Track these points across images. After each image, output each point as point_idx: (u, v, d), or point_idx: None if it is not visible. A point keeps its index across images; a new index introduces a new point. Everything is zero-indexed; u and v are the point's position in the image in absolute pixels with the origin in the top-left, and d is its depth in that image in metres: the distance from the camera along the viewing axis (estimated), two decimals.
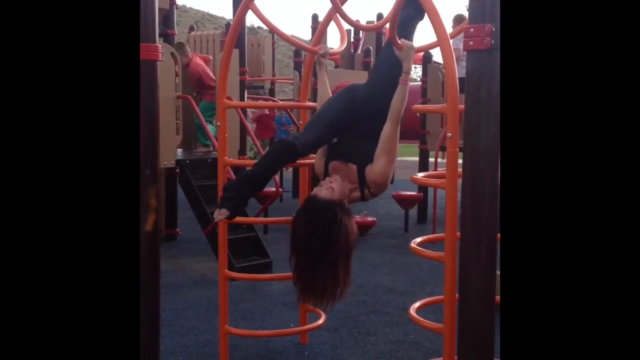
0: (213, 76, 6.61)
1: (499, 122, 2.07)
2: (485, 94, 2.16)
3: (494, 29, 2.10)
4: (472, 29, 2.15)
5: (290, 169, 9.44)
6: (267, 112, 8.89)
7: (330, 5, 3.30)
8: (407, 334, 3.96)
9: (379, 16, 9.19)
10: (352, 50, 10.90)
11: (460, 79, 2.40)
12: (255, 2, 3.14)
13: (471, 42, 2.15)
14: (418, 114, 7.32)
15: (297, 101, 5.84)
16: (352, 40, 11.03)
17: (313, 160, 3.53)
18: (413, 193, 7.46)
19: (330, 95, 3.11)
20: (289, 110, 8.28)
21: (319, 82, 3.22)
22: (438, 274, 4.94)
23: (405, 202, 7.31)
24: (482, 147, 2.18)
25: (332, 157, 2.82)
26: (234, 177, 5.13)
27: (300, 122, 4.10)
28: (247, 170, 2.87)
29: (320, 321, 3.64)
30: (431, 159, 7.86)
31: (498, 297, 2.07)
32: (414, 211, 7.75)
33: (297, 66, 9.19)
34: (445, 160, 2.74)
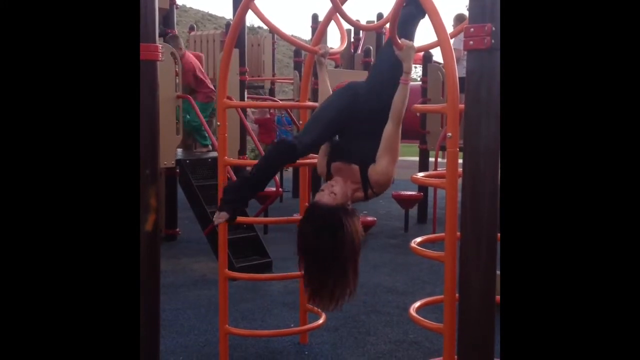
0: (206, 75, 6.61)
1: (499, 122, 2.07)
2: (485, 94, 2.16)
3: (494, 28, 2.10)
4: (472, 29, 2.15)
5: (290, 169, 9.46)
6: (268, 116, 8.91)
7: (330, 5, 3.30)
8: (407, 333, 3.96)
9: (379, 16, 9.19)
10: (352, 50, 10.90)
11: (460, 78, 2.40)
12: (255, 2, 3.14)
13: (471, 42, 2.15)
14: (418, 114, 7.32)
15: (297, 101, 5.84)
16: (352, 40, 11.02)
17: (313, 160, 3.53)
18: (413, 193, 7.46)
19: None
20: (289, 110, 8.28)
21: (320, 82, 3.22)
22: (438, 273, 4.94)
23: (405, 202, 7.31)
24: (482, 146, 2.18)
25: (334, 157, 2.82)
26: (234, 177, 5.13)
27: (301, 122, 4.11)
28: (246, 171, 2.87)
29: (320, 321, 3.64)
30: (431, 159, 7.85)
31: (498, 297, 2.07)
32: (414, 211, 7.75)
33: (297, 66, 9.19)
34: (445, 160, 2.73)
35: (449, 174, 2.48)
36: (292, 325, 4.08)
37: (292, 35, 4.24)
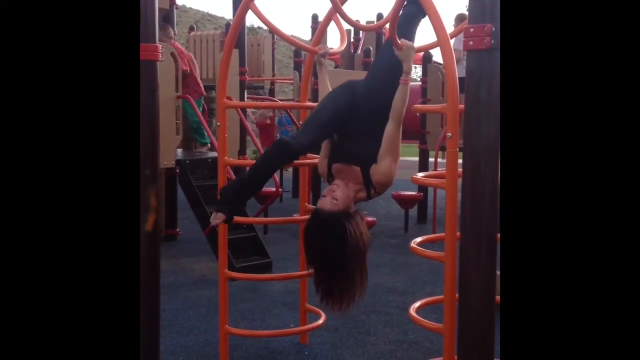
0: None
1: (499, 122, 2.07)
2: (485, 94, 2.16)
3: (493, 29, 2.10)
4: (472, 29, 2.15)
5: (290, 169, 9.47)
6: (268, 121, 8.91)
7: (330, 5, 3.30)
8: (407, 333, 3.96)
9: (379, 16, 9.19)
10: (352, 50, 10.90)
11: (460, 78, 2.40)
12: (255, 2, 3.14)
13: (471, 42, 2.15)
14: (418, 114, 7.32)
15: (297, 101, 5.84)
16: (352, 40, 11.03)
17: (313, 161, 3.53)
18: (413, 193, 7.46)
19: None
20: (288, 110, 8.28)
21: (320, 83, 3.22)
22: (438, 273, 4.94)
23: (405, 202, 7.31)
24: (482, 146, 2.18)
25: (335, 159, 2.81)
26: (234, 177, 5.13)
27: (300, 122, 4.11)
28: (246, 171, 2.87)
29: (320, 321, 3.64)
30: (431, 159, 7.86)
31: (498, 297, 2.07)
32: (414, 211, 7.76)
33: (297, 66, 9.19)
34: (445, 160, 2.73)
35: (448, 174, 2.48)
36: (292, 325, 4.08)
37: (291, 36, 4.23)
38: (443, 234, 2.56)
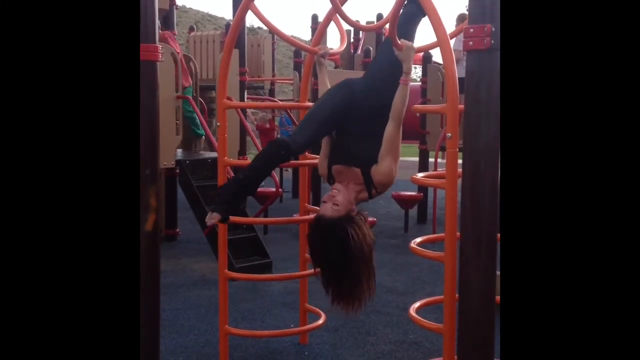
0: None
1: (499, 122, 2.07)
2: (485, 94, 2.16)
3: (493, 29, 2.10)
4: (471, 29, 2.15)
5: (290, 170, 9.47)
6: (268, 125, 8.92)
7: (330, 5, 3.30)
8: (407, 334, 3.96)
9: (379, 16, 9.19)
10: (352, 51, 10.91)
11: (460, 79, 2.40)
12: (255, 2, 3.15)
13: (471, 42, 2.15)
14: (418, 114, 7.32)
15: (297, 101, 5.84)
16: (352, 40, 11.03)
17: (313, 161, 3.53)
18: (413, 193, 7.46)
19: None
20: (288, 110, 8.28)
21: (320, 83, 3.22)
22: (438, 274, 4.94)
23: (405, 202, 7.31)
24: (481, 147, 2.18)
25: (335, 160, 2.80)
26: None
27: None
28: (240, 172, 2.86)
29: (320, 321, 3.64)
30: (431, 159, 7.85)
31: (498, 297, 2.07)
32: (414, 211, 7.76)
33: (297, 66, 9.19)
34: (445, 161, 2.73)
35: (448, 174, 2.48)
36: (292, 325, 4.08)
37: (291, 36, 4.24)
38: (443, 234, 2.56)
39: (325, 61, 3.24)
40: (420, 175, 3.06)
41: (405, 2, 2.75)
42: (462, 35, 2.35)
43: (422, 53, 7.69)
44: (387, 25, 2.94)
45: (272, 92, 10.83)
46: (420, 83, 8.01)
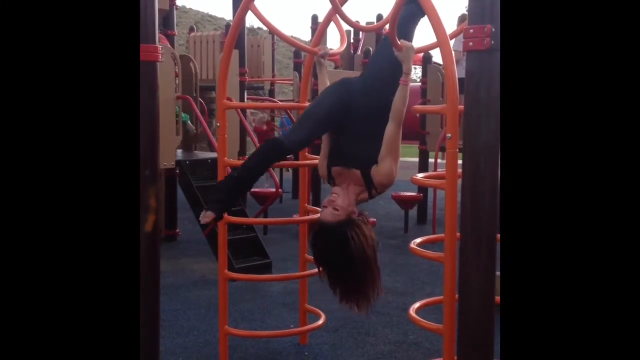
0: None
1: (499, 122, 2.07)
2: (485, 95, 2.16)
3: (493, 29, 2.10)
4: (471, 30, 2.15)
5: (290, 170, 9.46)
6: (264, 127, 8.93)
7: (330, 6, 3.30)
8: (407, 334, 3.96)
9: (379, 17, 9.19)
10: (352, 51, 10.91)
11: (459, 79, 2.40)
12: (255, 2, 3.15)
13: (471, 43, 2.15)
14: (418, 115, 7.32)
15: (296, 102, 5.84)
16: (351, 41, 11.03)
17: (312, 162, 3.54)
18: (413, 194, 7.46)
19: None
20: (288, 110, 8.29)
21: (320, 83, 3.22)
22: (438, 274, 4.94)
23: (405, 203, 7.31)
24: (481, 147, 2.19)
25: (334, 161, 2.79)
26: None
27: None
28: (233, 170, 2.85)
29: (320, 322, 3.64)
30: (431, 160, 7.85)
31: (497, 298, 2.07)
32: (413, 212, 7.76)
33: (297, 67, 9.18)
34: (445, 161, 2.73)
35: (448, 175, 2.48)
36: (291, 325, 4.08)
37: (291, 36, 4.24)
38: (443, 235, 2.56)
39: (325, 62, 3.24)
40: (420, 175, 3.06)
41: (405, 2, 2.74)
42: (462, 35, 2.35)
43: (422, 53, 7.69)
44: (387, 26, 2.94)
45: (272, 93, 10.84)
46: (420, 83, 8.01)
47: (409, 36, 2.82)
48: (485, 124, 2.17)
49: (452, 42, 2.59)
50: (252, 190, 7.24)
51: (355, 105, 2.76)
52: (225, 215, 3.39)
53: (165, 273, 5.07)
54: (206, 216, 2.70)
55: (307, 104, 3.73)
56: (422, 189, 7.46)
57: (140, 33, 2.41)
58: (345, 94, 2.80)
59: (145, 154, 2.58)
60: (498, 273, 1.94)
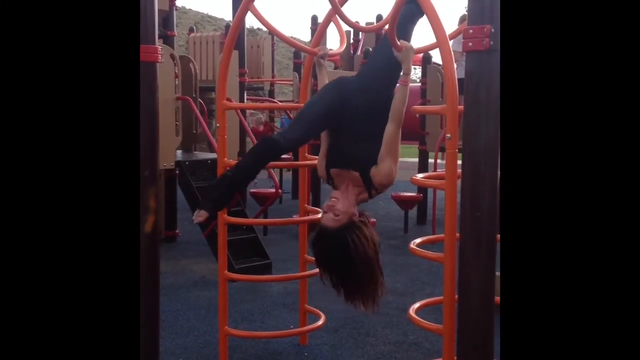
0: None
1: (499, 123, 2.07)
2: (485, 95, 2.16)
3: (492, 30, 2.10)
4: (471, 30, 2.16)
5: (290, 170, 9.46)
6: (261, 128, 8.95)
7: (329, 6, 3.30)
8: (407, 334, 3.96)
9: (379, 17, 9.20)
10: (352, 52, 10.92)
11: (459, 80, 2.40)
12: (254, 3, 3.15)
13: (470, 44, 2.16)
14: (417, 115, 7.32)
15: (296, 102, 5.84)
16: (351, 41, 11.04)
17: (311, 162, 3.54)
18: (413, 194, 7.46)
19: None
20: (288, 111, 8.29)
21: (319, 84, 3.21)
22: (437, 274, 4.94)
23: (404, 203, 7.31)
24: (481, 147, 2.19)
25: (332, 163, 2.78)
26: None
27: None
28: (228, 170, 2.85)
29: (320, 322, 3.64)
30: (431, 160, 7.86)
31: (497, 298, 2.07)
32: (413, 212, 7.76)
33: (297, 67, 9.19)
34: (444, 161, 2.74)
35: (448, 175, 2.48)
36: (291, 326, 4.08)
37: (291, 37, 4.24)
38: (442, 235, 2.56)
39: (325, 62, 3.24)
40: (419, 176, 3.06)
41: (404, 2, 2.74)
42: (461, 36, 2.35)
43: (422, 54, 7.70)
44: (387, 26, 2.94)
45: (271, 93, 10.84)
46: (420, 84, 8.01)
47: (407, 36, 2.81)
48: (484, 125, 2.17)
49: (450, 43, 2.59)
50: (252, 190, 7.27)
51: (353, 104, 2.74)
52: (225, 215, 3.40)
53: (165, 274, 5.07)
54: (200, 215, 2.69)
55: None
56: (422, 189, 7.46)
57: (140, 34, 2.41)
58: (342, 93, 2.79)
59: (145, 154, 2.58)
60: (498, 273, 1.95)
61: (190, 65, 6.46)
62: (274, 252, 5.79)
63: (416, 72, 11.43)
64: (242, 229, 5.69)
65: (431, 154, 7.76)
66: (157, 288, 2.83)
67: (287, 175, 9.91)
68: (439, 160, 7.47)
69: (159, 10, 2.86)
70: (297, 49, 8.82)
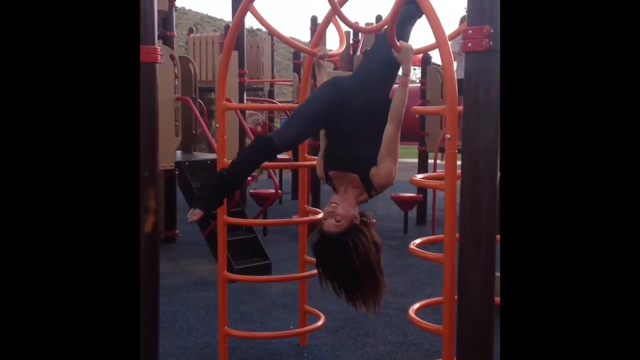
0: None
1: (498, 123, 2.07)
2: (484, 96, 2.16)
3: (492, 30, 2.10)
4: (470, 31, 2.16)
5: (290, 171, 9.46)
6: (259, 129, 8.95)
7: (329, 7, 3.30)
8: (407, 335, 3.96)
9: (378, 18, 9.20)
10: (351, 52, 10.92)
11: (459, 80, 2.40)
12: (254, 4, 3.15)
13: (469, 44, 2.16)
14: (417, 116, 7.33)
15: (296, 103, 5.84)
16: (351, 42, 11.04)
17: (311, 163, 3.53)
18: (412, 194, 7.46)
19: None
20: (287, 112, 8.29)
21: (319, 84, 3.21)
22: (437, 275, 4.94)
23: (404, 204, 7.31)
24: (480, 148, 2.19)
25: (331, 165, 2.77)
26: None
27: None
28: (222, 169, 2.85)
29: (320, 323, 3.64)
30: (430, 161, 7.86)
31: (497, 298, 2.07)
32: (413, 213, 7.76)
33: (296, 68, 9.20)
34: (444, 162, 2.74)
35: (447, 176, 2.48)
36: (291, 327, 4.08)
37: (291, 38, 4.25)
38: (442, 236, 2.56)
39: (325, 63, 3.24)
40: (419, 176, 3.06)
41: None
42: (459, 37, 2.35)
43: (421, 54, 7.70)
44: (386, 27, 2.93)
45: (271, 94, 10.85)
46: (419, 84, 8.01)
47: (405, 37, 2.81)
48: (484, 125, 2.17)
49: (450, 43, 2.59)
50: (252, 191, 7.27)
51: (352, 104, 2.73)
52: (225, 216, 3.40)
53: (165, 274, 5.07)
54: (194, 214, 2.69)
55: None
56: (422, 190, 7.46)
57: (140, 34, 2.41)
58: (337, 92, 2.78)
59: (145, 155, 2.58)
60: (497, 274, 1.95)
61: (190, 65, 6.46)
62: (274, 252, 5.79)
63: (416, 73, 11.44)
64: (241, 230, 5.69)
65: (431, 154, 7.76)
66: (157, 288, 2.83)
67: (287, 176, 9.90)
68: (438, 161, 7.47)
69: (158, 10, 2.87)
70: (296, 50, 8.82)
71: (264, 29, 3.92)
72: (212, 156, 6.09)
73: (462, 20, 7.11)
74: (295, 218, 4.89)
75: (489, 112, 2.16)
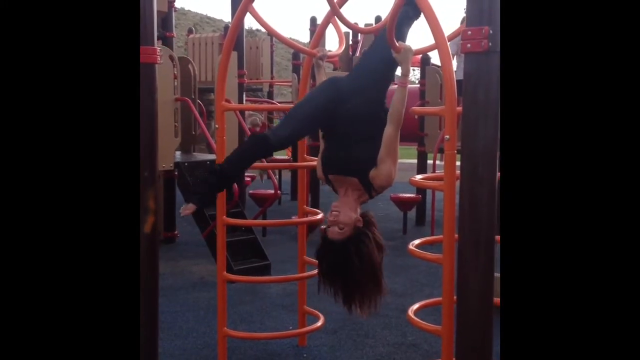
0: None
1: (497, 124, 2.08)
2: (483, 96, 2.17)
3: (491, 31, 2.11)
4: (469, 32, 2.16)
5: (289, 172, 9.46)
6: (257, 129, 8.95)
7: (328, 8, 3.31)
8: (406, 336, 3.96)
9: (377, 19, 9.21)
10: (351, 53, 10.91)
11: (458, 81, 2.40)
12: (253, 4, 3.15)
13: (469, 45, 2.16)
14: (416, 116, 7.33)
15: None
16: (350, 42, 11.04)
17: (310, 163, 3.54)
18: (411, 195, 7.46)
19: None
20: (286, 112, 8.28)
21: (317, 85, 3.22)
22: (436, 276, 4.94)
23: (403, 204, 7.31)
24: (480, 149, 2.19)
25: (331, 168, 2.76)
26: None
27: None
28: (217, 165, 2.84)
29: (319, 323, 3.64)
30: (429, 161, 7.86)
31: (496, 299, 2.08)
32: (412, 213, 7.76)
33: (296, 69, 9.20)
34: (443, 163, 2.74)
35: (447, 177, 2.49)
36: (290, 327, 4.08)
37: (290, 38, 4.25)
38: (441, 236, 2.56)
39: (324, 63, 3.24)
40: (418, 177, 3.06)
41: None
42: (457, 38, 2.36)
43: (421, 55, 7.70)
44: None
45: (270, 94, 10.85)
46: (418, 85, 8.02)
47: (403, 38, 2.80)
48: (483, 126, 2.18)
49: (449, 44, 2.59)
50: (251, 192, 7.27)
51: (352, 105, 2.72)
52: (224, 217, 3.40)
53: (164, 275, 5.07)
54: (187, 208, 2.70)
55: None
56: (421, 190, 7.46)
57: (140, 35, 2.41)
58: (335, 92, 2.77)
59: (144, 155, 2.58)
60: (496, 275, 1.95)
61: (189, 66, 6.46)
62: (273, 253, 5.79)
63: (415, 74, 11.44)
64: (241, 230, 5.69)
65: (430, 155, 7.76)
66: (157, 289, 2.83)
67: (286, 177, 9.90)
68: (437, 162, 7.47)
69: (158, 11, 2.87)
70: (296, 50, 8.81)
71: (263, 30, 3.92)
72: (212, 157, 6.09)
73: (463, 21, 7.12)
74: (295, 219, 4.89)
75: (488, 113, 2.16)
